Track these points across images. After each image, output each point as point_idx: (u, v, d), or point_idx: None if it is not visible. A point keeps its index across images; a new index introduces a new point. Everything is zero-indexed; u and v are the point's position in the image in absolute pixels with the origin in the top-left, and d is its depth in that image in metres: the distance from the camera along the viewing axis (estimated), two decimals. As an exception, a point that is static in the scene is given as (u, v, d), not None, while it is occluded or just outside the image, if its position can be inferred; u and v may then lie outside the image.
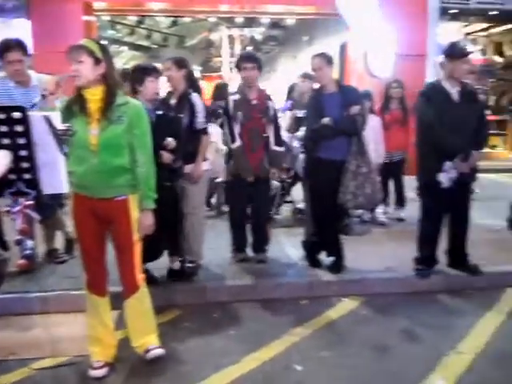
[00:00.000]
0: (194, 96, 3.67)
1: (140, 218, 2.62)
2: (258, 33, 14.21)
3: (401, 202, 5.51)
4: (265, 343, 3.00)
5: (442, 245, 3.92)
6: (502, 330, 3.18)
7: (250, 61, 3.88)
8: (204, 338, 3.08)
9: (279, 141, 4.05)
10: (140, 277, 2.70)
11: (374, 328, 3.25)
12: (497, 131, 9.86)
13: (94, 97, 2.49)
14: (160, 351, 2.73)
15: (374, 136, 4.81)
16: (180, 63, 3.68)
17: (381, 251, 4.42)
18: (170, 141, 3.35)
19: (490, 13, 9.37)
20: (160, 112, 3.42)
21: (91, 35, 8.09)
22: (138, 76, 3.40)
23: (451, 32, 9.25)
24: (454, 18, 9.55)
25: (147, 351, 2.72)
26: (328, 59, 3.78)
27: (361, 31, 8.18)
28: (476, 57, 11.71)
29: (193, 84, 3.77)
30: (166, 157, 3.31)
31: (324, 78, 3.80)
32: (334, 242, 3.93)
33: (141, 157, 2.57)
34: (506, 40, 12.77)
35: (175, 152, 3.39)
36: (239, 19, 11.97)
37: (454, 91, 3.65)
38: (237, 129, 3.89)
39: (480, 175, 5.87)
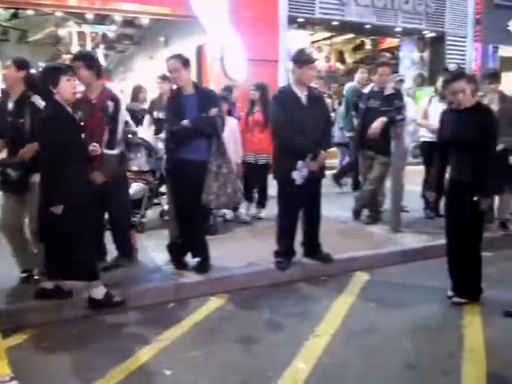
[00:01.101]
0: (36, 98, 3.40)
1: None
2: (111, 30, 13.61)
3: (262, 203, 5.71)
4: (132, 353, 2.92)
5: (298, 237, 4.21)
6: (352, 310, 3.53)
7: (77, 59, 3.70)
8: (68, 355, 2.89)
9: (112, 143, 3.69)
10: None
11: (239, 322, 3.37)
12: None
13: None
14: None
15: (232, 137, 4.98)
16: (20, 64, 3.41)
17: (244, 248, 4.59)
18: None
19: (333, 23, 10.28)
20: None
21: None
22: (51, 77, 3.17)
23: (299, 40, 9.93)
24: (301, 26, 10.28)
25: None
26: (184, 61, 3.80)
27: (216, 34, 8.39)
28: (321, 63, 12.77)
29: (34, 86, 3.48)
30: None
31: (181, 80, 3.81)
32: (199, 242, 3.97)
33: None
34: (346, 48, 14.16)
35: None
36: (90, 15, 11.33)
37: (302, 95, 3.94)
38: None
39: (329, 172, 6.47)
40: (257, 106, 5.53)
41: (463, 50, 11.42)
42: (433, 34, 11.22)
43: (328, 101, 6.28)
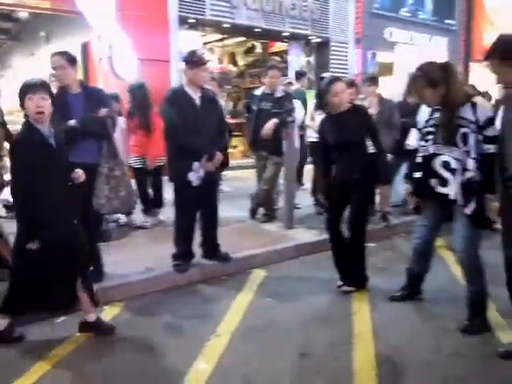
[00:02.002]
0: None
1: None
2: (-17, 24, 12.41)
3: (157, 205, 5.56)
4: (24, 371, 2.70)
5: (197, 238, 4.20)
6: (251, 307, 3.62)
7: None
8: None
9: None
10: None
11: (138, 330, 3.27)
12: (236, 133, 11.04)
13: None
14: None
15: (123, 138, 4.82)
16: None
17: (141, 253, 4.47)
18: None
19: (224, 25, 10.39)
20: None
21: None
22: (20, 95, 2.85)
23: (190, 40, 9.89)
24: (193, 27, 10.25)
25: None
26: (70, 58, 3.60)
27: (103, 32, 8.05)
28: (214, 65, 12.84)
29: None
30: None
31: (66, 78, 3.60)
32: (91, 249, 3.76)
33: None
34: (238, 51, 14.39)
35: None
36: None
37: (196, 96, 3.93)
38: None
39: (226, 173, 6.54)
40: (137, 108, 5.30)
41: (346, 56, 12.23)
42: (318, 40, 11.85)
43: (222, 102, 6.32)
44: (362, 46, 12.35)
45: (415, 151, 3.25)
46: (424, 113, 3.21)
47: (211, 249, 4.26)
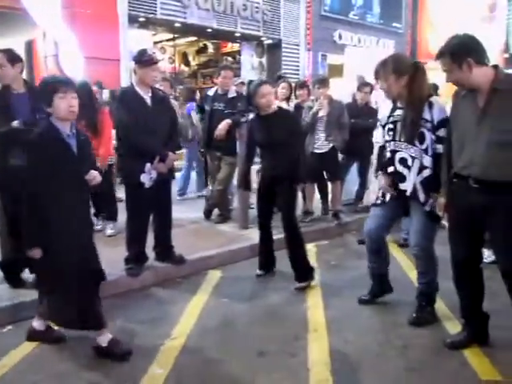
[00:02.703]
0: None
1: None
2: None
3: (113, 214, 5.25)
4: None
5: (150, 241, 4.13)
6: (207, 308, 3.60)
7: None
8: None
9: None
10: None
11: (89, 337, 3.16)
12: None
13: None
14: None
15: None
16: None
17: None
18: None
19: (175, 25, 10.28)
20: None
21: None
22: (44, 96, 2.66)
23: (141, 39, 9.72)
24: (143, 26, 10.08)
25: None
26: (12, 56, 3.45)
27: (48, 29, 7.77)
28: (165, 65, 12.69)
29: None
30: None
31: (7, 77, 3.45)
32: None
33: None
34: (190, 51, 14.28)
35: None
36: None
37: (146, 96, 3.87)
38: None
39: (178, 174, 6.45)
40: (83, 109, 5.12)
41: (297, 57, 12.41)
42: (270, 41, 11.96)
43: (174, 103, 6.25)
44: (313, 48, 12.57)
45: (383, 147, 3.35)
46: (386, 109, 3.28)
47: (165, 251, 4.20)
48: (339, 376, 2.69)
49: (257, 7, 11.17)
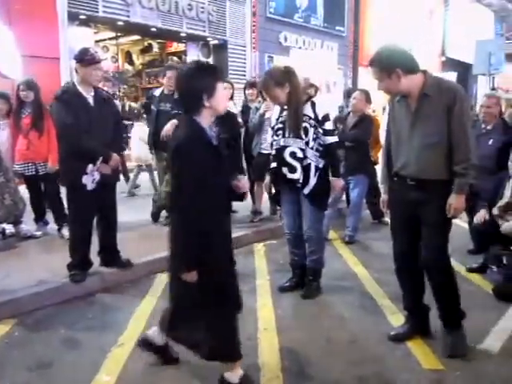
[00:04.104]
0: None
1: None
2: None
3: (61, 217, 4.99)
4: None
5: (95, 246, 4.00)
6: (155, 312, 3.48)
7: None
8: None
9: None
10: None
11: (31, 347, 3.02)
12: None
13: None
14: None
15: (9, 142, 4.44)
16: None
17: (32, 265, 4.14)
18: None
19: (118, 23, 10.01)
20: None
21: None
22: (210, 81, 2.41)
23: (82, 37, 9.39)
24: (84, 23, 9.73)
25: None
26: None
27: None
28: (108, 64, 12.35)
29: None
30: None
31: None
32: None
33: None
34: (134, 50, 13.98)
35: None
36: None
37: (89, 96, 3.74)
38: None
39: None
40: (28, 108, 4.84)
41: (244, 58, 12.44)
42: (216, 42, 11.91)
43: (117, 103, 6.09)
44: (259, 49, 12.64)
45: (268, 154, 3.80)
46: (275, 113, 3.70)
47: (111, 255, 4.08)
48: (289, 374, 2.72)
49: (202, 7, 11.08)
